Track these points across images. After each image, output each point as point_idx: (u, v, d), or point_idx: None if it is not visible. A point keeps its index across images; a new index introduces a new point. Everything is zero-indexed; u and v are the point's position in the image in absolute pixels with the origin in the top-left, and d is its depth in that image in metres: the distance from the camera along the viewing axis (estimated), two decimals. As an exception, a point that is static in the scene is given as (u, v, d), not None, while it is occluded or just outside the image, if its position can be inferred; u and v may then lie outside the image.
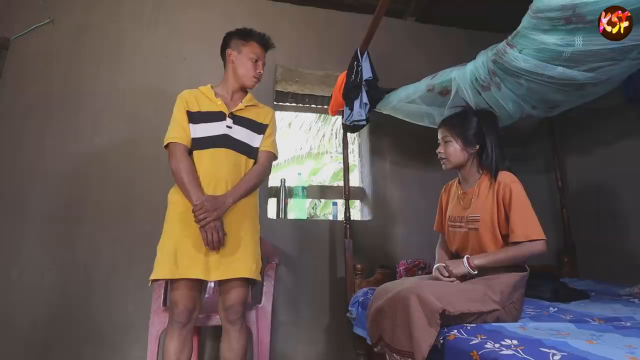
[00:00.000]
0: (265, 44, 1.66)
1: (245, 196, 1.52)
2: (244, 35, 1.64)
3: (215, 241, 1.37)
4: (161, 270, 1.39)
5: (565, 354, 0.89)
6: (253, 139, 1.61)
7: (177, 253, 1.40)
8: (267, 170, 1.63)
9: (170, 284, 1.46)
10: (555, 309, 1.55)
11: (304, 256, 2.41)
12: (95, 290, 2.10)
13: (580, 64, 1.49)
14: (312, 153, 7.29)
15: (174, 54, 2.53)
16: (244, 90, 1.67)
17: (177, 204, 1.48)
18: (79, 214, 2.17)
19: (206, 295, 2.10)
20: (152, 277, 1.39)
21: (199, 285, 1.48)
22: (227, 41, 1.65)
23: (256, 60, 1.62)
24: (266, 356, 1.83)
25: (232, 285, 1.47)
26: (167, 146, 1.51)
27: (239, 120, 1.58)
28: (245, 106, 1.62)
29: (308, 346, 2.30)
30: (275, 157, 1.68)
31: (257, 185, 1.57)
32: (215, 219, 1.39)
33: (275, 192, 2.62)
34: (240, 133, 1.57)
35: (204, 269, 1.40)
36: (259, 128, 1.63)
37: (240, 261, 1.45)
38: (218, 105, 1.58)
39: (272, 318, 1.94)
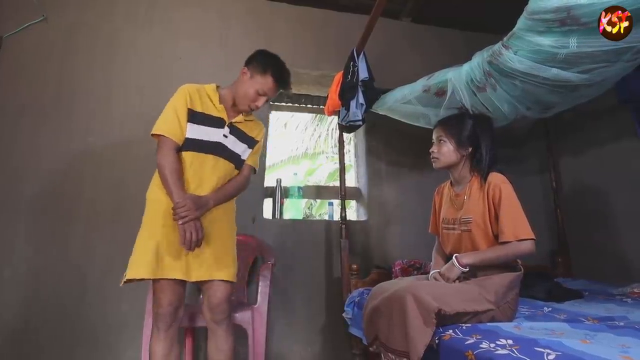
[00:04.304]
0: (281, 84, 1.57)
1: (224, 202, 1.53)
2: (265, 64, 1.55)
3: (193, 240, 1.33)
4: (138, 269, 1.32)
5: (560, 353, 0.90)
6: (243, 152, 1.63)
7: (160, 252, 1.36)
8: (247, 183, 1.66)
9: (153, 283, 1.41)
10: (550, 309, 1.56)
11: (300, 256, 2.41)
12: (89, 290, 2.08)
13: (575, 65, 1.50)
14: (308, 153, 7.28)
15: (169, 53, 2.51)
16: None
17: (159, 202, 1.43)
18: (73, 213, 2.15)
19: (201, 296, 2.09)
20: (128, 276, 1.32)
21: (184, 282, 1.45)
22: (252, 58, 1.59)
23: (261, 94, 1.54)
24: (262, 357, 1.83)
25: (216, 283, 1.46)
26: (155, 134, 1.45)
27: (235, 132, 1.59)
28: (244, 120, 1.63)
29: (304, 346, 2.29)
30: (255, 172, 1.72)
31: (236, 194, 1.60)
32: (196, 218, 1.37)
33: (271, 192, 2.61)
34: (234, 144, 1.58)
35: (185, 269, 1.39)
36: (250, 142, 1.65)
37: (220, 263, 1.45)
38: (219, 111, 1.56)
39: (268, 318, 1.93)
